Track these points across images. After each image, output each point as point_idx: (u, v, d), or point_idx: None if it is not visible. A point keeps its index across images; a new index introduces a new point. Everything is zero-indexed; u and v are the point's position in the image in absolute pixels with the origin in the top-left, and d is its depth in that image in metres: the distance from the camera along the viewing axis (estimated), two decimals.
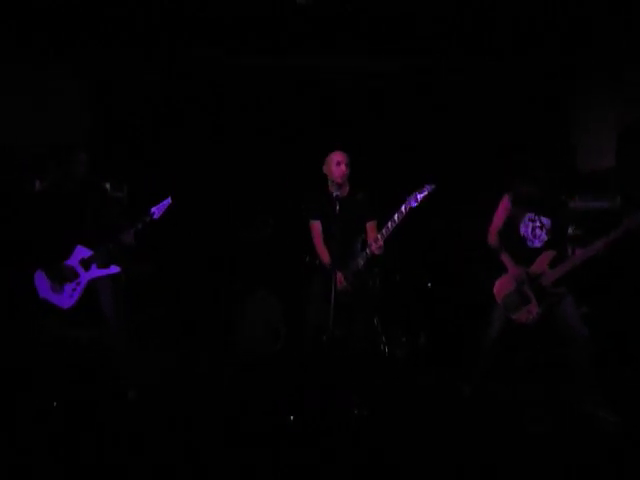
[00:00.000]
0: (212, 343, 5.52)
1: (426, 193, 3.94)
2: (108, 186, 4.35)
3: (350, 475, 3.21)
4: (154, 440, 3.58)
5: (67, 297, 4.22)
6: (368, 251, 4.13)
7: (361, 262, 4.19)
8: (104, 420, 3.84)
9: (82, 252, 4.24)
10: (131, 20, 4.96)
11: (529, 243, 4.10)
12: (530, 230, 4.10)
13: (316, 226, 4.38)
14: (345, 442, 3.57)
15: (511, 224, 4.16)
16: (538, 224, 4.09)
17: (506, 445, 3.54)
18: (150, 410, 4.05)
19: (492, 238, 4.21)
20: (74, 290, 4.22)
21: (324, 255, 4.30)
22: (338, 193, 4.12)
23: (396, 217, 3.98)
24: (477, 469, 3.26)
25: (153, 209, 4.22)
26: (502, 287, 4.14)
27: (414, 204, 3.93)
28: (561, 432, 3.70)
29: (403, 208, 3.96)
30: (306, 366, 4.26)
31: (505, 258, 4.13)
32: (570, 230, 4.35)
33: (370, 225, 4.32)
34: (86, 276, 4.23)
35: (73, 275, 4.22)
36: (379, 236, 4.04)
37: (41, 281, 4.27)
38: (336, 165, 4.22)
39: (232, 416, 3.95)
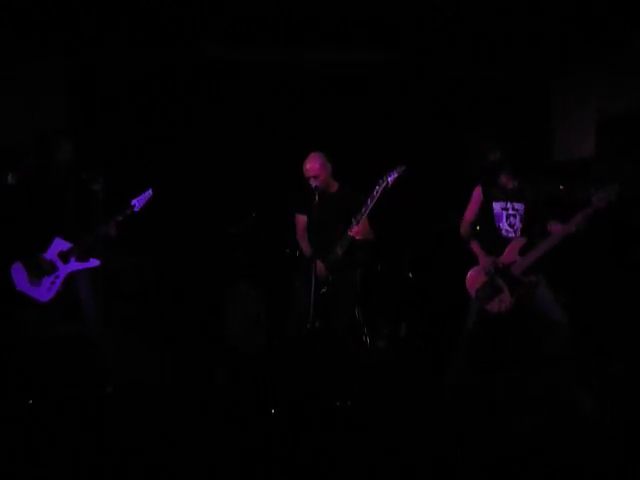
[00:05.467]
0: (198, 336, 5.46)
1: (396, 175, 4.03)
2: (85, 176, 4.27)
3: (334, 465, 3.20)
4: (144, 437, 3.51)
5: (45, 290, 4.15)
6: (346, 236, 4.14)
7: (339, 249, 4.20)
8: (86, 416, 3.76)
9: (61, 245, 4.17)
10: (110, 4, 4.84)
11: (504, 233, 4.11)
12: (505, 219, 4.11)
13: (300, 219, 4.47)
14: (329, 434, 3.56)
15: (485, 216, 4.17)
16: (511, 211, 4.09)
17: (501, 441, 3.49)
18: (137, 406, 3.97)
19: (463, 229, 4.24)
20: (52, 283, 4.15)
21: (304, 246, 4.41)
22: (322, 186, 4.16)
23: (369, 201, 4.05)
24: (464, 462, 3.24)
25: (134, 201, 4.23)
26: (474, 279, 4.13)
27: (387, 185, 4.01)
28: (554, 427, 3.64)
29: (375, 192, 4.03)
30: (292, 357, 4.28)
31: (475, 248, 4.14)
32: None
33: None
34: (65, 269, 4.17)
35: (51, 268, 4.15)
36: (354, 221, 4.09)
37: (18, 273, 4.18)
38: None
39: (219, 410, 3.92)
